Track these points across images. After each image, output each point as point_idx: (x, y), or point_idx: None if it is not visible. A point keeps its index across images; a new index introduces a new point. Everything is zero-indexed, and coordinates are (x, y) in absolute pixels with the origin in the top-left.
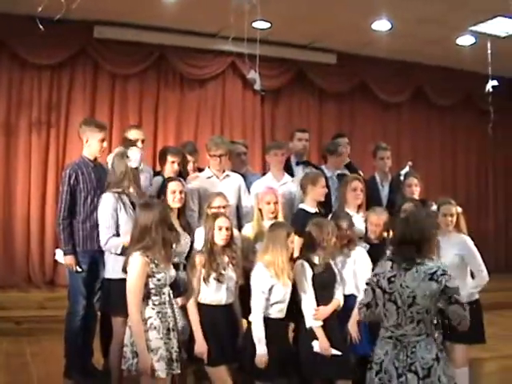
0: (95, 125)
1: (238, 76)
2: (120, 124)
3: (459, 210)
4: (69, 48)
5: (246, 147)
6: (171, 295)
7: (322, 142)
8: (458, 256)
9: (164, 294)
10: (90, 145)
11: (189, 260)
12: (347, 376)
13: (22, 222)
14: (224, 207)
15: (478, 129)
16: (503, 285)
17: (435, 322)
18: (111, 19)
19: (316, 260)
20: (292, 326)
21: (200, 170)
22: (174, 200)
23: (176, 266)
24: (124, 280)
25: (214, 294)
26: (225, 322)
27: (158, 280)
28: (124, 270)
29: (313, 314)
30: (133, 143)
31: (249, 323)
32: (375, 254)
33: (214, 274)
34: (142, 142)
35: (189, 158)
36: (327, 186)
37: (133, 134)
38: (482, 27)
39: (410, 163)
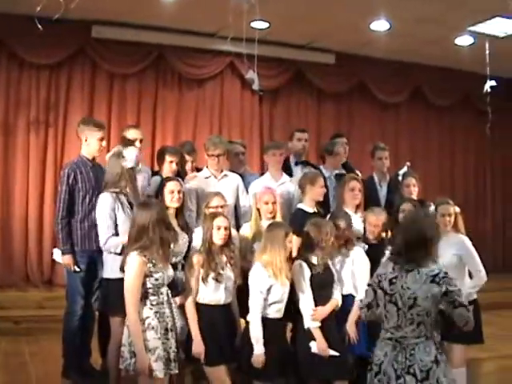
0: (94, 124)
1: (237, 76)
2: (118, 124)
3: (457, 210)
4: (67, 48)
5: (244, 147)
6: (169, 295)
7: (321, 142)
8: (456, 256)
9: (162, 293)
10: (90, 144)
11: (187, 260)
12: (344, 377)
13: (20, 221)
14: (222, 207)
15: (476, 129)
16: (501, 285)
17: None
18: (109, 19)
19: (314, 260)
20: (290, 325)
21: (198, 169)
22: (172, 200)
23: (174, 266)
24: (122, 280)
25: (212, 293)
26: (223, 322)
27: (156, 280)
28: (122, 269)
29: (311, 315)
30: (131, 143)
31: (247, 323)
32: (374, 255)
33: (212, 274)
34: (141, 141)
35: (187, 157)
36: (325, 186)
37: (131, 134)
38: (481, 27)
39: (408, 163)
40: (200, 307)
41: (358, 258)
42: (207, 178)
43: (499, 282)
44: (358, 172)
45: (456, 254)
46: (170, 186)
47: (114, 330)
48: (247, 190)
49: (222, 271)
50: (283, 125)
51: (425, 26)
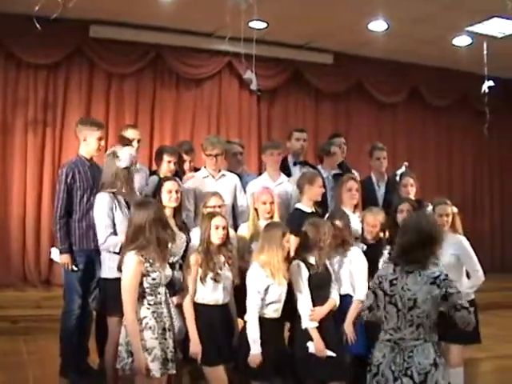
0: (93, 123)
1: (235, 76)
2: (116, 123)
3: (455, 210)
4: (65, 47)
5: (242, 147)
6: (167, 295)
7: (318, 142)
8: (453, 256)
9: (160, 293)
10: (89, 143)
11: (185, 259)
12: (341, 378)
13: (18, 221)
14: (220, 206)
15: (474, 129)
16: (499, 285)
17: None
18: (107, 18)
19: (312, 260)
20: (287, 325)
21: (196, 169)
22: (170, 199)
23: (172, 266)
24: (120, 279)
25: (210, 293)
26: (221, 322)
27: (153, 279)
28: (119, 269)
29: (309, 315)
30: (129, 142)
31: (244, 323)
32: (372, 255)
33: (210, 274)
34: (138, 141)
35: (185, 157)
36: (324, 186)
37: (129, 134)
38: (479, 28)
39: (406, 163)
40: (198, 307)
41: (355, 257)
42: (205, 177)
43: (497, 282)
44: (354, 172)
45: (454, 253)
46: (168, 185)
47: (112, 329)
48: (245, 190)
49: (220, 271)
50: (281, 125)
51: (422, 27)
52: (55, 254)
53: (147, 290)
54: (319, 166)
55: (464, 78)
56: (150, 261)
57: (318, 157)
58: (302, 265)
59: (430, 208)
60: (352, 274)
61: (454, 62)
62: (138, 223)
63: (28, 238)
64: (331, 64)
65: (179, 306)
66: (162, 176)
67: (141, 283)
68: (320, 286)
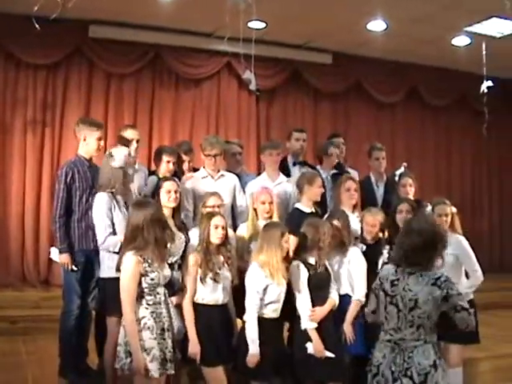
0: (93, 123)
1: (234, 76)
2: (115, 123)
3: (454, 210)
4: (64, 47)
5: (241, 147)
6: (167, 295)
7: (317, 142)
8: (452, 256)
9: (159, 293)
10: (88, 143)
11: (184, 259)
12: (339, 379)
13: (17, 221)
14: (219, 206)
15: (473, 129)
16: (498, 285)
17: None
18: (106, 18)
19: (312, 261)
20: (287, 325)
21: (195, 169)
22: (169, 200)
23: (171, 266)
24: (118, 279)
25: (210, 293)
26: (220, 322)
27: (152, 279)
28: (118, 269)
29: (309, 315)
30: (128, 142)
31: (243, 323)
32: (371, 255)
33: (210, 274)
34: (137, 141)
35: (184, 157)
36: (323, 187)
37: (128, 134)
38: (477, 28)
39: (404, 164)
40: (198, 307)
41: (354, 258)
42: (204, 178)
43: (496, 282)
44: (353, 172)
45: (453, 253)
46: (167, 185)
47: (111, 329)
48: (244, 190)
49: (219, 271)
50: (280, 125)
51: (421, 26)
52: (54, 253)
53: (146, 290)
54: (318, 167)
55: (463, 78)
56: (149, 261)
57: (317, 157)
58: (302, 266)
59: (429, 208)
60: (351, 274)
61: (453, 62)
62: (136, 223)
63: (27, 238)
64: (330, 64)
65: (178, 306)
66: (160, 176)
67: (139, 283)
68: (319, 286)
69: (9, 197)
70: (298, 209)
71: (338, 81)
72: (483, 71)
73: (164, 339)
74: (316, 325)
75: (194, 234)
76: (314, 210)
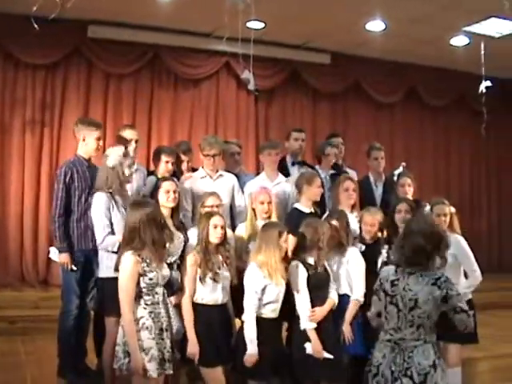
0: (92, 123)
1: (232, 76)
2: (114, 124)
3: (452, 209)
4: (63, 47)
5: (239, 147)
6: (165, 295)
7: (316, 142)
8: (451, 256)
9: (157, 293)
10: (88, 143)
11: (182, 259)
12: (339, 379)
13: (16, 221)
14: (217, 206)
15: (471, 129)
16: (496, 285)
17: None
18: (105, 19)
19: (311, 261)
20: (286, 325)
21: (194, 169)
22: (167, 200)
23: (170, 266)
24: (117, 279)
25: (210, 293)
26: (220, 322)
27: (150, 279)
28: (116, 268)
29: (309, 316)
30: (127, 142)
31: (242, 323)
32: (370, 254)
33: (209, 274)
34: (136, 141)
35: (183, 157)
36: (322, 187)
37: (127, 134)
38: (476, 28)
39: (403, 164)
40: (197, 307)
41: (352, 258)
42: (203, 178)
43: (494, 282)
44: (352, 172)
45: (451, 253)
46: (166, 185)
47: (110, 329)
48: (243, 190)
49: (218, 271)
50: (279, 125)
51: (420, 27)
52: (54, 253)
53: (144, 290)
54: (317, 166)
55: (461, 78)
56: (147, 261)
57: (316, 157)
58: (301, 266)
59: (427, 208)
60: (349, 274)
61: (452, 62)
62: (132, 224)
63: (26, 238)
64: (329, 64)
65: (178, 306)
66: (159, 176)
67: (138, 283)
68: (319, 286)
69: (7, 197)
70: (297, 209)
71: (337, 81)
72: (482, 71)
73: (162, 339)
74: (315, 325)
75: (193, 234)
76: (313, 210)
